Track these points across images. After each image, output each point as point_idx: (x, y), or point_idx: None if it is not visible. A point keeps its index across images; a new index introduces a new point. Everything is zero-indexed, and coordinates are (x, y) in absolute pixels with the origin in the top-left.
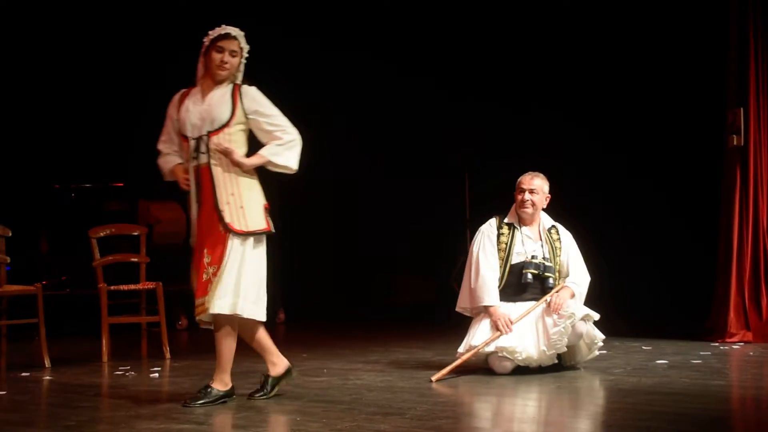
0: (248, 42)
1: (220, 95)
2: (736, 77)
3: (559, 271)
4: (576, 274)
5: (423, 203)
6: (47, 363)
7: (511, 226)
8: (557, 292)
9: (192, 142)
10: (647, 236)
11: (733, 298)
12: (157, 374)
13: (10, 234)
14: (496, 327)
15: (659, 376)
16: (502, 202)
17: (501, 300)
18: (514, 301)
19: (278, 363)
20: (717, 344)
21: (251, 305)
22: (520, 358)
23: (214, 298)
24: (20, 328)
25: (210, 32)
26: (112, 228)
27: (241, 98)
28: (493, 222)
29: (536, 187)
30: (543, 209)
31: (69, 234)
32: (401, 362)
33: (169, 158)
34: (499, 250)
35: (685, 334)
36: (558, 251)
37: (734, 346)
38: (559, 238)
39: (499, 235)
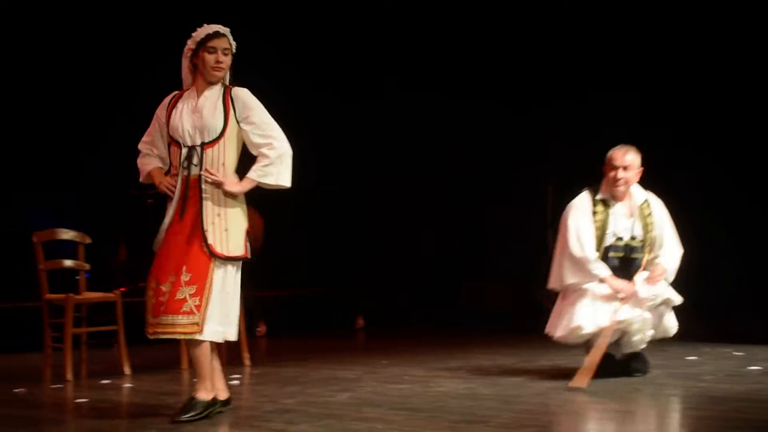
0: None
1: (212, 102)
2: None
3: (650, 245)
4: (668, 248)
5: (504, 208)
6: (127, 370)
7: (604, 202)
8: (651, 269)
9: (184, 150)
10: (736, 237)
11: None
12: (237, 382)
13: (90, 241)
14: (618, 295)
15: (752, 383)
16: None
17: (590, 283)
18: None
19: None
20: None
21: (234, 328)
22: (632, 327)
23: (206, 323)
24: (100, 335)
25: (194, 34)
26: None
27: (232, 103)
28: (586, 196)
29: (629, 163)
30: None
31: (147, 240)
32: (484, 369)
33: (148, 159)
34: (595, 227)
35: None
36: (650, 227)
37: None
38: (650, 213)
39: (594, 213)
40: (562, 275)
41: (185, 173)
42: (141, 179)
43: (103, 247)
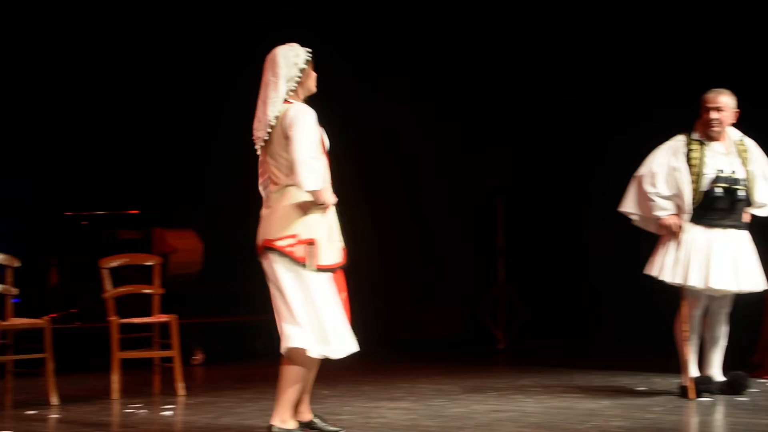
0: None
1: None
2: None
3: (748, 180)
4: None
5: (453, 229)
6: (55, 400)
7: (700, 142)
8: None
9: None
10: None
11: None
12: (169, 412)
13: (19, 264)
14: (669, 230)
15: (702, 415)
16: (540, 227)
17: (691, 221)
18: (706, 222)
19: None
20: (764, 381)
21: None
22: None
23: None
24: (27, 363)
25: (297, 50)
26: (125, 258)
27: None
28: (681, 138)
29: (722, 104)
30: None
31: (80, 264)
32: (428, 399)
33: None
34: (691, 166)
35: (730, 369)
36: (746, 162)
37: None
38: (746, 149)
39: (689, 152)
40: (626, 201)
41: None
42: (317, 188)
43: (33, 271)
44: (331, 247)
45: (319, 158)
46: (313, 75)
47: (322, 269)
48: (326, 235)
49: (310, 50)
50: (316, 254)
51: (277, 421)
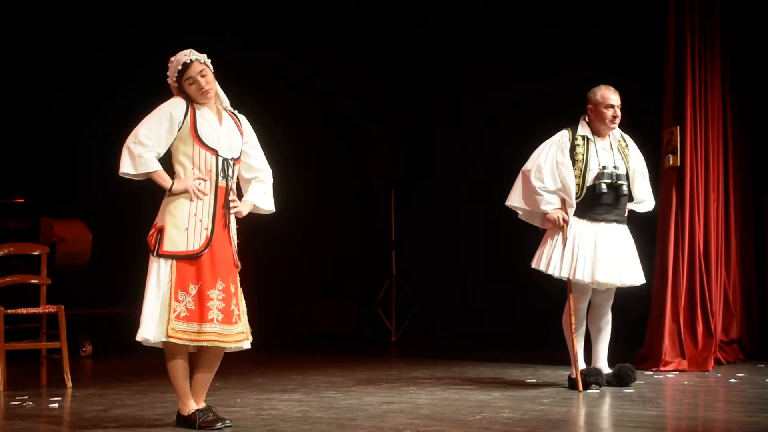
0: None
1: (231, 123)
2: (673, 95)
3: (632, 177)
4: (646, 192)
5: (346, 223)
6: None
7: (585, 138)
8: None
9: (220, 160)
10: None
11: (668, 325)
12: (56, 404)
13: None
14: (555, 224)
15: (590, 406)
16: (432, 221)
17: (576, 215)
18: (591, 216)
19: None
20: (651, 373)
21: None
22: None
23: (248, 329)
24: None
25: (168, 71)
26: (11, 247)
27: (241, 126)
28: (565, 134)
29: (619, 102)
30: None
31: None
32: (320, 391)
33: (153, 156)
34: (576, 161)
35: (618, 362)
36: (628, 158)
37: (669, 375)
38: (627, 146)
39: (574, 147)
40: (512, 195)
41: (222, 183)
42: (134, 172)
43: None
44: (189, 234)
45: (149, 144)
46: (191, 87)
47: (165, 255)
48: (185, 221)
49: (193, 59)
50: (162, 240)
51: (179, 410)
